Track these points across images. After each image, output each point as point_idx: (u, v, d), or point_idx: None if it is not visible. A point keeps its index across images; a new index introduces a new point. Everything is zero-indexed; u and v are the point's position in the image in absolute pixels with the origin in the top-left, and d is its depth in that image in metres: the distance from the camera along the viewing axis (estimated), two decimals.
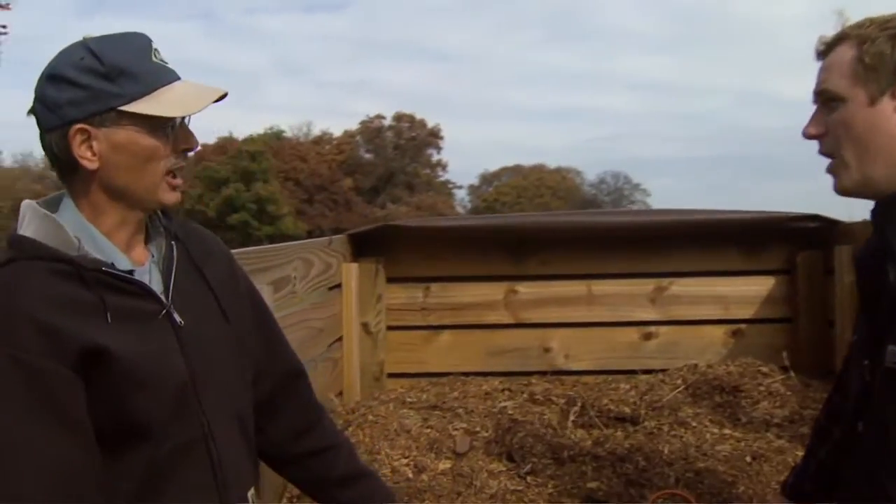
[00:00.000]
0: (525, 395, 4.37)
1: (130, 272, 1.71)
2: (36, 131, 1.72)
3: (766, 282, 4.91)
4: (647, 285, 4.95)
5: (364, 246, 4.94)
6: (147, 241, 1.84)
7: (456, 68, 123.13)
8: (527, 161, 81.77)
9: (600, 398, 4.21)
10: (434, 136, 71.15)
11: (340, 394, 4.57)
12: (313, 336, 4.05)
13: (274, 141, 63.62)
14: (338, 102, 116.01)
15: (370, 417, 3.95)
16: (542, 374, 4.83)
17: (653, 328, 4.93)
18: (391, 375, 4.96)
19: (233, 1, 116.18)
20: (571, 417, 4.04)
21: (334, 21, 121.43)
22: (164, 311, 1.72)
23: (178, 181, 1.77)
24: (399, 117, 70.79)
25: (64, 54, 1.70)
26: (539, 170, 73.76)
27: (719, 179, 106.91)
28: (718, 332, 4.93)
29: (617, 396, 4.25)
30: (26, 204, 1.74)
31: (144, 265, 1.78)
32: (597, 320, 4.95)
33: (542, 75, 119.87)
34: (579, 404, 4.13)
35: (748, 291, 4.92)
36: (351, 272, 4.68)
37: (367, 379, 4.82)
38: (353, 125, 72.59)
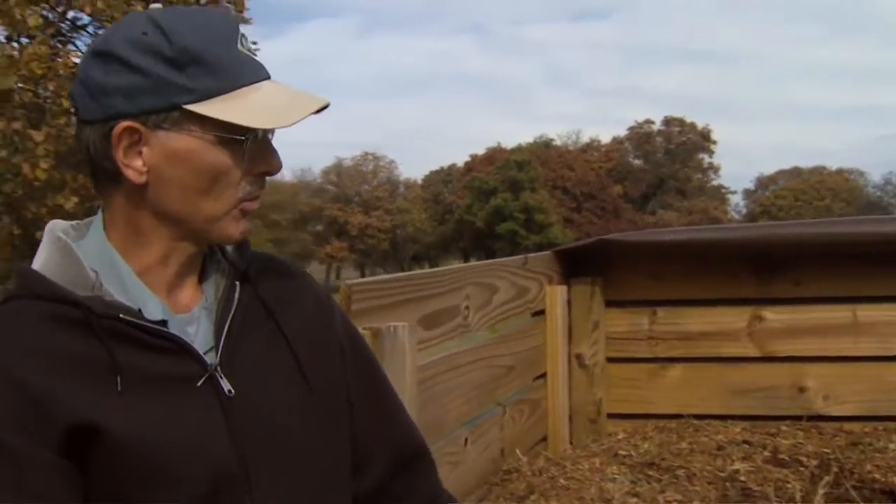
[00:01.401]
0: (767, 452, 3.52)
1: (163, 322, 1.27)
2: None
3: None
4: None
5: (577, 265, 4.23)
6: (202, 279, 1.36)
7: (727, 69, 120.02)
8: (805, 163, 78.74)
9: (862, 462, 3.29)
10: (705, 140, 69.92)
11: (544, 439, 3.89)
12: (498, 377, 3.38)
13: (542, 150, 64.37)
14: (606, 109, 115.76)
15: (562, 482, 3.22)
16: (796, 419, 3.97)
17: None
18: (611, 416, 4.22)
19: (500, 12, 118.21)
20: (822, 489, 3.15)
21: (601, 28, 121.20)
22: (206, 376, 1.27)
23: (253, 205, 1.34)
24: (669, 121, 70.16)
25: (122, 26, 1.30)
26: (819, 172, 71.06)
27: None
28: None
29: (884, 461, 3.30)
30: (48, 226, 1.34)
31: (191, 311, 1.33)
32: (864, 354, 4.02)
33: (820, 72, 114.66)
34: (834, 470, 3.24)
35: None
36: (557, 296, 3.98)
37: (581, 422, 4.12)
38: (622, 131, 72.56)
